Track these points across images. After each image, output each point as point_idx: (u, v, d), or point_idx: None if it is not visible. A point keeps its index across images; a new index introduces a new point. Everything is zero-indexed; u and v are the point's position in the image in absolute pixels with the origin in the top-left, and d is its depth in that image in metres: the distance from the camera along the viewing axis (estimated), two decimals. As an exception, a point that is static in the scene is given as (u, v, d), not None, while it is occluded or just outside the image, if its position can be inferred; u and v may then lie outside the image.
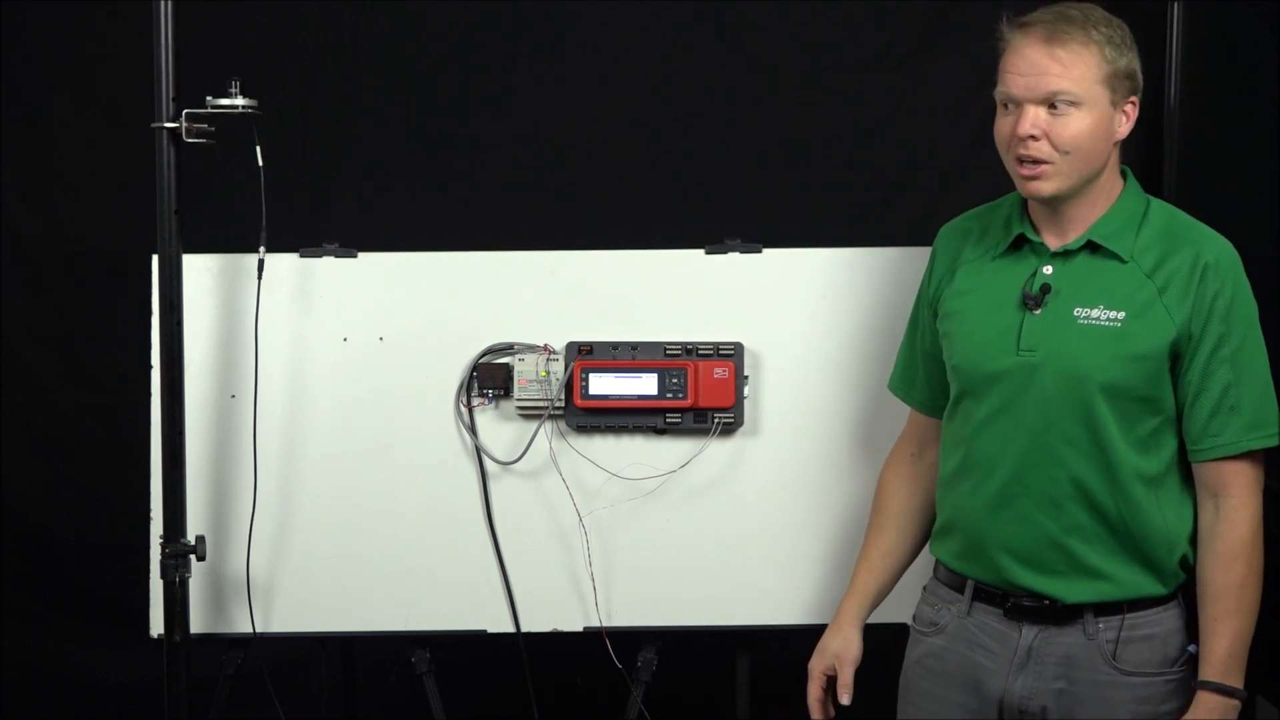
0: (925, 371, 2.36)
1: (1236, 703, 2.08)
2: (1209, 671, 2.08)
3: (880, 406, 2.72)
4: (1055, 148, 2.07)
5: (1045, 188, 2.10)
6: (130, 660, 3.39)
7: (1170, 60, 3.06)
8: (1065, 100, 2.06)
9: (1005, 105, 2.12)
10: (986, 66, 3.27)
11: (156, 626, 2.64)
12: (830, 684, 2.37)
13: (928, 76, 3.36)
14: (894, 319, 2.71)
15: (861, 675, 2.59)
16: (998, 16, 2.16)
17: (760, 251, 2.75)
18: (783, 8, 3.37)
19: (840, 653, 2.36)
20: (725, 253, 2.76)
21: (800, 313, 2.74)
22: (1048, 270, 2.15)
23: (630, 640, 2.74)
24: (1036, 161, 2.08)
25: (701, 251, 2.76)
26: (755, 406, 2.73)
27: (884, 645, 2.55)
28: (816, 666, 2.37)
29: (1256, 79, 2.81)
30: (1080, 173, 2.10)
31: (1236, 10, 2.93)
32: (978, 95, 3.32)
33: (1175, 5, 2.94)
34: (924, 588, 2.35)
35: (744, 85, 3.41)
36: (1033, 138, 2.07)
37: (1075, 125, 2.07)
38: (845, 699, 2.34)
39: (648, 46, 3.40)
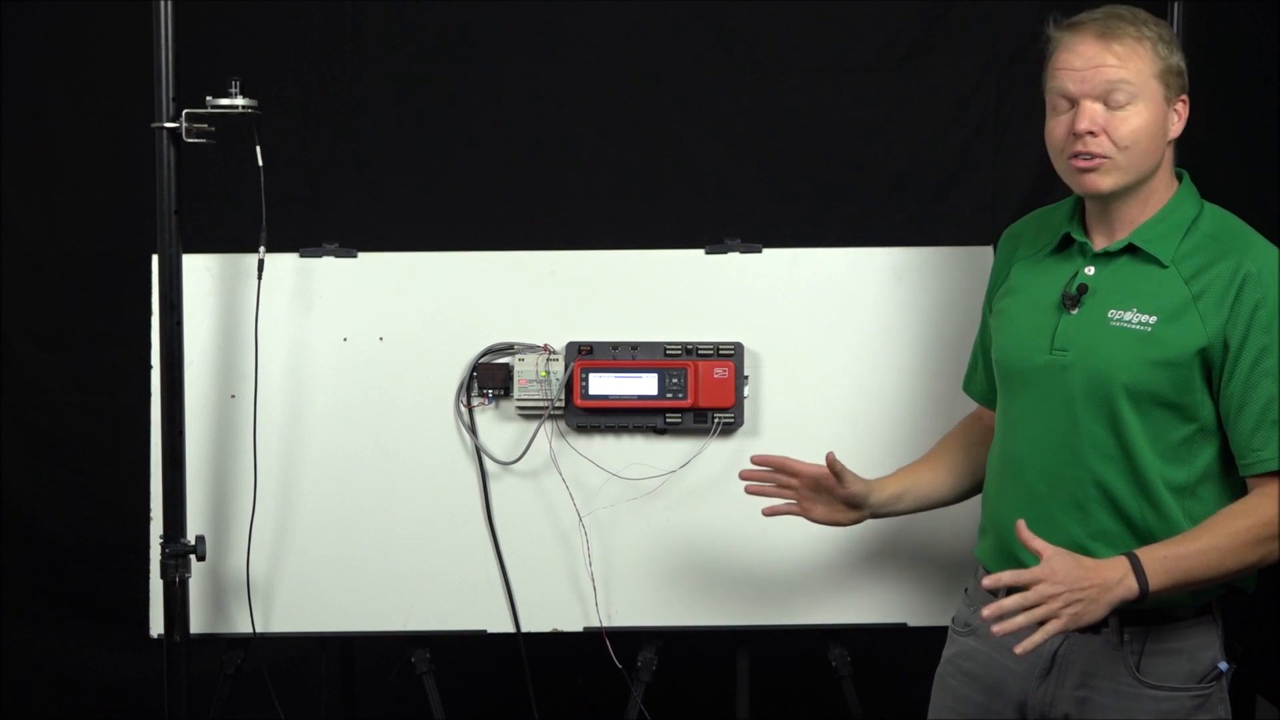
0: (984, 366, 2.37)
1: (1134, 587, 1.96)
2: (1143, 550, 1.99)
3: (880, 406, 2.72)
4: (1114, 143, 2.05)
5: (1104, 182, 2.07)
6: (130, 660, 3.40)
7: (1170, 60, 3.06)
8: (1124, 93, 2.05)
9: (1058, 105, 2.10)
10: (986, 66, 3.27)
11: (156, 626, 2.64)
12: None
13: (928, 76, 3.37)
14: (893, 318, 2.72)
15: (867, 676, 2.59)
16: (1045, 20, 2.12)
17: (760, 251, 2.75)
18: (783, 8, 3.38)
19: (848, 470, 2.32)
20: (725, 253, 2.76)
21: (800, 313, 2.74)
22: (1089, 271, 2.14)
23: (630, 640, 2.74)
24: (1093, 156, 2.06)
25: (701, 251, 2.76)
26: (755, 406, 2.73)
27: (889, 646, 2.55)
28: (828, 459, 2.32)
29: (1256, 79, 2.81)
30: (1137, 169, 2.08)
31: (1236, 10, 2.93)
32: (977, 95, 3.34)
33: (1175, 5, 2.94)
34: (965, 589, 2.34)
35: (744, 85, 3.42)
36: (1091, 134, 2.05)
37: (1134, 120, 2.05)
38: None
39: (648, 47, 3.40)
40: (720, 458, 2.72)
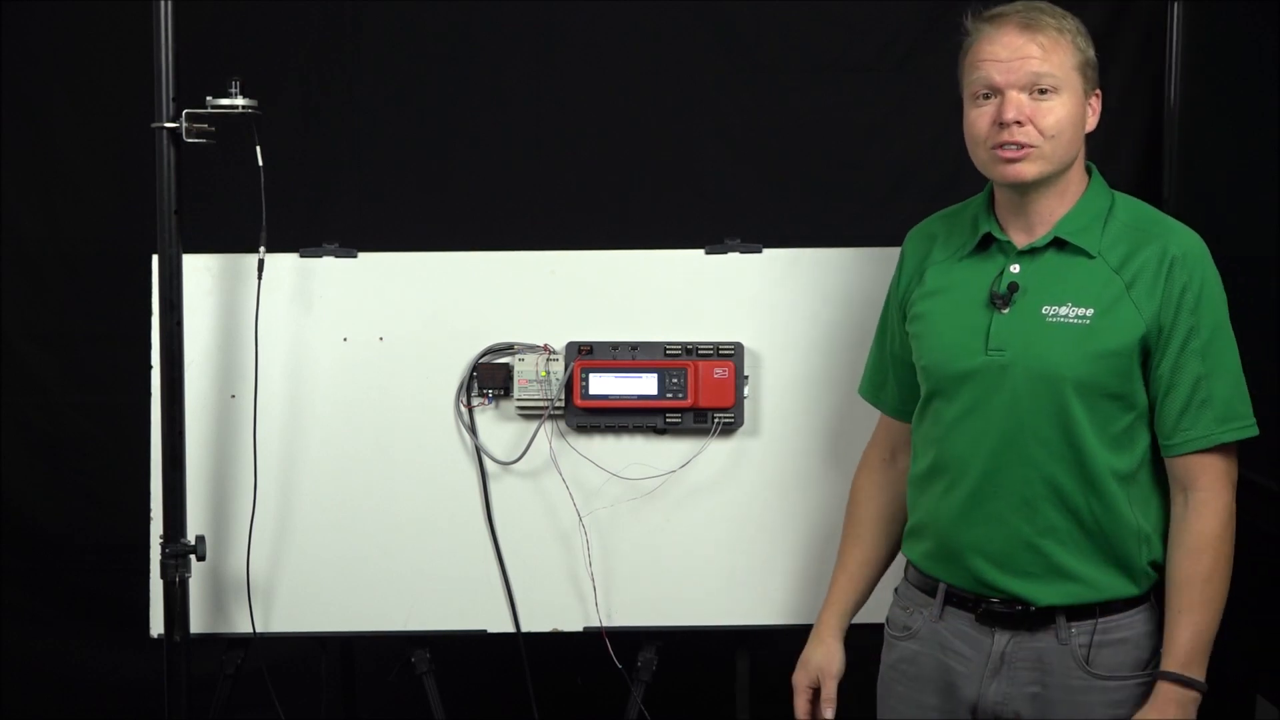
0: (895, 376, 2.36)
1: (1196, 695, 2.07)
2: (1169, 663, 2.07)
3: (880, 406, 2.72)
4: (1040, 132, 2.07)
5: (1028, 170, 2.09)
6: (130, 660, 3.40)
7: (1170, 60, 3.07)
8: (1047, 84, 2.07)
9: (980, 97, 2.11)
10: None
11: (156, 626, 2.64)
12: (816, 696, 2.37)
13: (928, 76, 3.36)
14: (894, 319, 2.72)
15: (867, 676, 2.58)
16: (961, 14, 2.15)
17: (760, 251, 2.76)
18: (783, 8, 3.38)
19: (823, 665, 2.36)
20: (725, 253, 2.76)
21: (800, 313, 2.74)
22: (1015, 269, 2.15)
23: (630, 640, 2.74)
24: (1020, 146, 2.08)
25: (701, 251, 2.76)
26: (755, 406, 2.73)
27: (863, 647, 2.55)
28: (801, 681, 2.37)
29: (1256, 79, 2.81)
30: (1060, 159, 2.10)
31: (1236, 10, 2.93)
32: (978, 95, 3.34)
33: (1175, 5, 2.94)
34: (895, 590, 2.34)
35: (744, 85, 3.41)
36: (1018, 123, 2.07)
37: (1058, 110, 2.08)
38: (829, 713, 2.34)
39: (648, 46, 3.40)
40: (720, 458, 2.72)
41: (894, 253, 2.72)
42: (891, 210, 3.38)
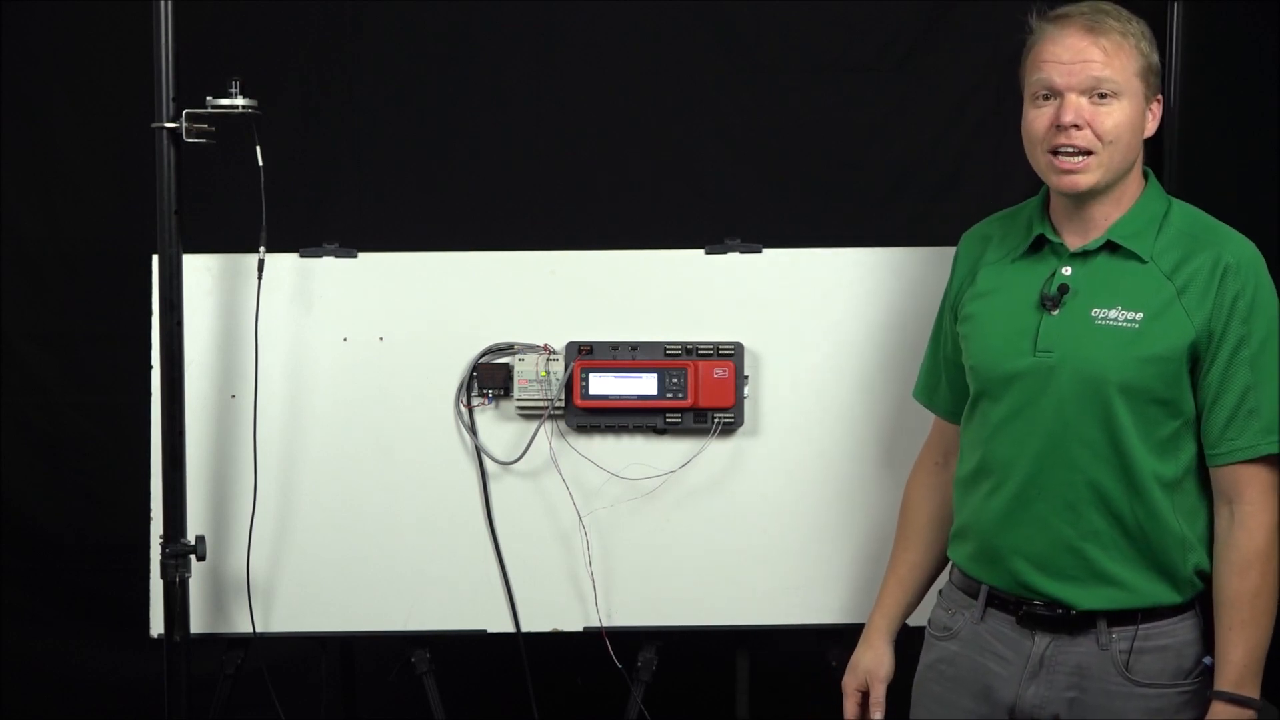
0: (948, 379, 2.34)
1: (1251, 713, 2.05)
2: (1223, 681, 2.06)
3: (880, 406, 2.72)
4: (1098, 137, 2.05)
5: (1084, 180, 2.07)
6: (130, 660, 3.40)
7: (1170, 60, 3.06)
8: (1108, 89, 2.05)
9: (1039, 98, 2.10)
10: (986, 66, 3.25)
11: (156, 626, 2.64)
12: (865, 700, 2.36)
13: (928, 76, 3.37)
14: (893, 318, 2.72)
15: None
16: (1026, 12, 2.13)
17: (760, 251, 2.75)
18: (783, 8, 3.38)
19: (872, 669, 2.36)
20: (725, 253, 2.76)
21: (800, 313, 2.74)
22: (1066, 271, 2.13)
23: (630, 640, 2.74)
24: (1078, 152, 2.06)
25: (701, 251, 2.76)
26: (755, 406, 2.73)
27: (897, 647, 2.56)
28: (850, 684, 2.37)
29: (1256, 79, 2.81)
30: (1117, 166, 2.08)
31: (1236, 10, 2.93)
32: (977, 95, 3.35)
33: (1175, 5, 2.94)
34: (940, 591, 2.33)
35: (744, 85, 3.42)
36: (1075, 127, 2.05)
37: (1117, 115, 2.06)
38: (877, 716, 2.33)
39: (648, 47, 3.40)
40: (720, 458, 2.72)
41: (893, 253, 2.74)
42: (891, 210, 3.39)
